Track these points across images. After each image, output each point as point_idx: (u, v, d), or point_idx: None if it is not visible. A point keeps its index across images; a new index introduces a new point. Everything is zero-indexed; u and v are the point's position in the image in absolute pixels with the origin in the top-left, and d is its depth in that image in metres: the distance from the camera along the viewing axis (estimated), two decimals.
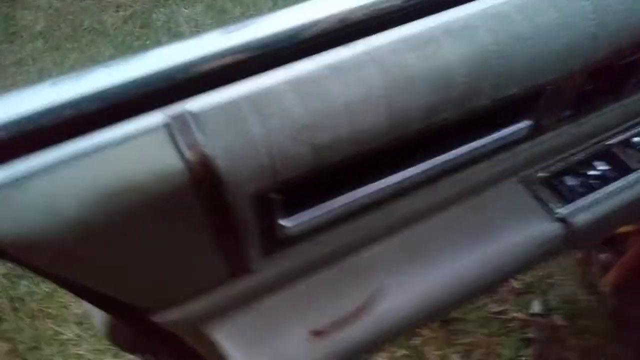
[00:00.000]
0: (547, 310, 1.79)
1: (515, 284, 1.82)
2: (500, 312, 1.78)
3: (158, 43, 2.63)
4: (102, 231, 0.52)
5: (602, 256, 1.83)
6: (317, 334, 0.78)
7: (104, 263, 0.57)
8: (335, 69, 0.57)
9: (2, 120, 0.48)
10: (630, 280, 1.75)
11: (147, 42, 2.62)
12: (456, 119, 0.66)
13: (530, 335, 1.74)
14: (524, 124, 0.75)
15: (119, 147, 0.51)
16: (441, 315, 1.59)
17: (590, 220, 0.88)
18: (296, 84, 0.56)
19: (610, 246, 1.81)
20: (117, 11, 2.86)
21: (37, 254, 0.51)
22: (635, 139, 0.95)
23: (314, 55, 0.58)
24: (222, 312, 0.76)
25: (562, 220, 0.87)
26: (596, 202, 0.89)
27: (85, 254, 0.54)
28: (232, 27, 0.58)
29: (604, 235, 1.06)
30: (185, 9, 2.85)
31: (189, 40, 0.56)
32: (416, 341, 1.73)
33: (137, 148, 0.51)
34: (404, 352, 1.71)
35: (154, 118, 0.52)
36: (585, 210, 0.88)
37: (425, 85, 0.60)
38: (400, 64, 0.59)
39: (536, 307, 1.79)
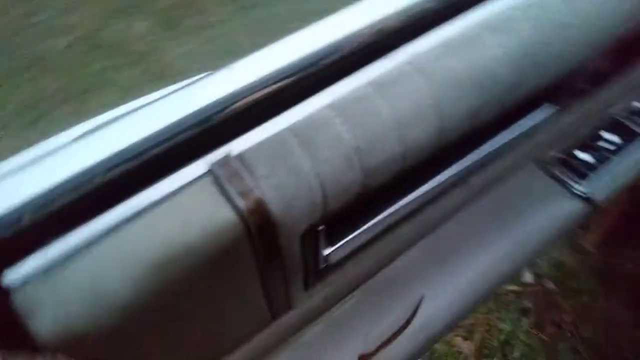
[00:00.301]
0: (538, 278, 1.78)
1: None
2: None
3: (113, 67, 2.45)
4: (155, 305, 0.44)
5: None
6: (365, 358, 0.71)
7: (153, 337, 0.48)
8: (379, 85, 0.50)
9: (21, 200, 0.39)
10: (613, 236, 1.76)
11: (99, 67, 2.43)
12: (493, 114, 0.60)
13: (526, 304, 1.73)
14: (549, 108, 0.70)
15: (162, 208, 0.42)
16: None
17: (610, 191, 0.85)
18: (340, 107, 0.49)
19: None
20: (62, 36, 2.64)
21: (84, 345, 0.42)
22: (636, 104, 0.92)
23: (354, 72, 0.51)
24: (264, 354, 0.68)
25: (584, 196, 0.83)
26: (613, 172, 0.86)
27: (136, 333, 0.45)
28: (253, 56, 0.51)
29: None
30: (137, 23, 2.65)
31: (216, 74, 0.48)
32: None
33: (182, 206, 0.43)
34: None
35: (196, 168, 0.44)
36: (604, 182, 0.85)
37: (473, 87, 0.53)
38: (445, 69, 0.52)
39: (527, 276, 1.78)
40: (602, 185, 0.85)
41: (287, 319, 0.66)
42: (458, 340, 1.69)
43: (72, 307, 0.40)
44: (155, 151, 0.45)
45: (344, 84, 0.50)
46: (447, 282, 0.78)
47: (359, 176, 0.50)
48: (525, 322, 1.70)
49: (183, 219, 0.44)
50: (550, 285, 1.76)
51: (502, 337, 1.68)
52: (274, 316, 0.63)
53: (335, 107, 0.49)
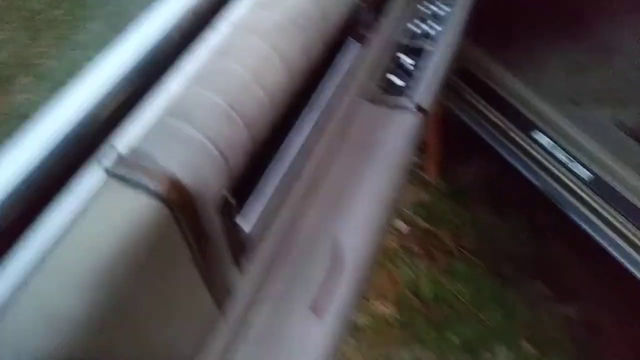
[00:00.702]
0: (410, 222, 1.92)
1: None
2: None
3: None
4: (110, 313, 0.43)
5: (413, 160, 2.04)
6: (316, 307, 0.74)
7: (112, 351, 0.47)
8: (223, 52, 0.56)
9: None
10: (443, 163, 1.97)
11: None
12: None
13: (413, 248, 1.86)
14: (353, 43, 0.81)
15: (80, 225, 0.43)
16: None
17: (429, 95, 0.98)
18: (201, 80, 0.54)
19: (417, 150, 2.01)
20: None
21: None
22: (411, 27, 1.08)
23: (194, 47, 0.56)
24: (227, 351, 0.67)
25: (414, 106, 0.95)
26: (423, 81, 0.99)
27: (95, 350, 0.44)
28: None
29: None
30: None
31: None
32: None
33: (99, 214, 0.44)
34: None
35: (92, 176, 0.45)
36: (422, 91, 0.98)
37: (296, 28, 0.61)
38: (267, 21, 0.60)
39: (401, 226, 1.91)
40: (421, 93, 0.98)
41: (232, 311, 0.66)
42: (378, 306, 1.75)
43: (31, 340, 0.38)
44: (39, 173, 0.45)
45: (193, 61, 0.55)
46: (354, 218, 0.83)
47: (244, 128, 0.54)
48: (420, 263, 1.82)
49: (106, 224, 0.44)
50: (422, 223, 1.91)
51: (410, 285, 1.78)
52: (219, 305, 0.63)
53: (196, 81, 0.53)
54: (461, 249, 1.84)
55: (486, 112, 1.46)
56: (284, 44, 0.60)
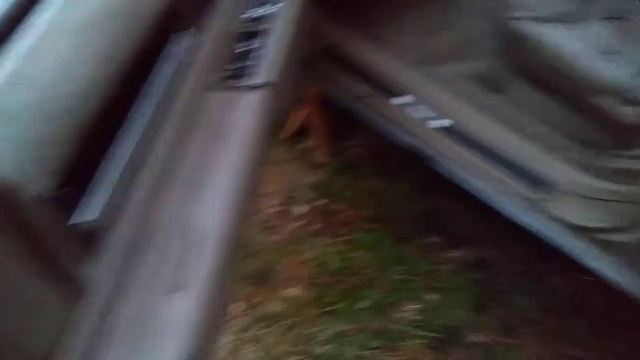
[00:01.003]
0: (309, 203, 1.97)
1: (274, 210, 1.96)
2: (282, 240, 1.90)
3: None
4: None
5: (303, 145, 2.10)
6: (180, 287, 0.75)
7: None
8: (33, 51, 0.57)
9: None
10: (332, 141, 2.05)
11: None
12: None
13: (315, 227, 1.91)
14: (183, 35, 0.83)
15: None
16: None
17: (277, 67, 1.02)
18: (10, 78, 0.55)
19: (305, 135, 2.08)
20: None
21: None
22: (247, 13, 1.12)
23: None
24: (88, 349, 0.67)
25: (258, 85, 0.99)
26: (266, 60, 1.03)
27: None
28: None
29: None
30: None
31: None
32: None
33: None
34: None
35: None
36: (265, 70, 1.01)
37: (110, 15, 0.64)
38: (77, 18, 0.62)
39: (302, 208, 1.96)
40: (266, 69, 1.01)
41: (91, 304, 0.66)
42: (290, 291, 1.79)
43: None
44: None
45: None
46: (213, 197, 0.84)
47: (64, 119, 0.56)
48: (323, 239, 1.88)
49: None
50: (320, 202, 1.97)
51: (316, 262, 1.83)
52: (72, 300, 0.63)
53: (7, 81, 0.54)
54: (359, 219, 1.91)
55: (350, 86, 1.52)
56: (97, 37, 0.62)
